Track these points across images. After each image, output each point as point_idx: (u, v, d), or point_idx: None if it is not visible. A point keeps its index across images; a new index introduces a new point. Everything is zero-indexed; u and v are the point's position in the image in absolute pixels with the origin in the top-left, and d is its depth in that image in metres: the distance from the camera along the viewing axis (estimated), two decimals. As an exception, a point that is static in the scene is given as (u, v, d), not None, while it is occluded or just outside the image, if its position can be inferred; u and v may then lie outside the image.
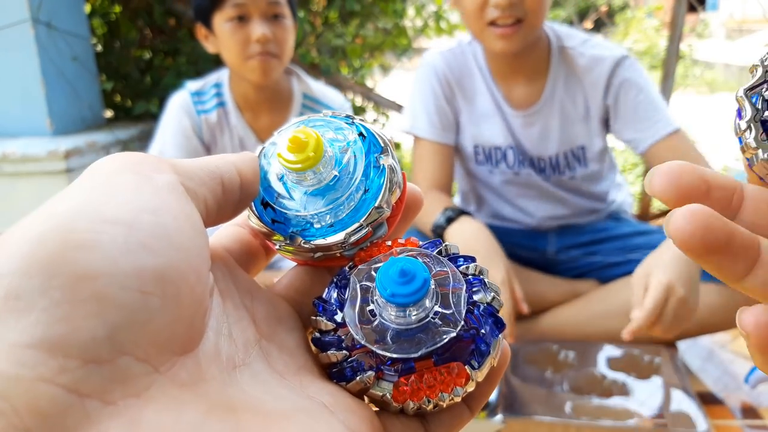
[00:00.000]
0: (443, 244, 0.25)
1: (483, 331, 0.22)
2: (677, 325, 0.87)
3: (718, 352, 1.18)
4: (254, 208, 0.25)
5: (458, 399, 0.22)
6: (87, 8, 1.89)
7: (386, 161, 0.25)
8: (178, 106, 1.27)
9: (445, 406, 0.22)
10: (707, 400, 1.01)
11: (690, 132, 2.82)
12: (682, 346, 1.17)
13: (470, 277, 0.24)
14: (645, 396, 0.94)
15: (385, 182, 0.24)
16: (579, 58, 1.14)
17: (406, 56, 2.40)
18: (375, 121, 2.32)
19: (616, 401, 0.92)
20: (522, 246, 1.21)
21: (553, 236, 1.24)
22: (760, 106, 0.21)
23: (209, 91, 1.29)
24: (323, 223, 0.24)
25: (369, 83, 2.40)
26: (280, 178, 0.25)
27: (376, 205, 0.24)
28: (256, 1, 1.14)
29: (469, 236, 1.00)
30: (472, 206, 1.29)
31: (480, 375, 0.22)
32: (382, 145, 0.25)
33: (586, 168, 1.19)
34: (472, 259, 0.24)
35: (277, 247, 0.25)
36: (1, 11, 1.58)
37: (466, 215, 1.05)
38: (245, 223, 0.26)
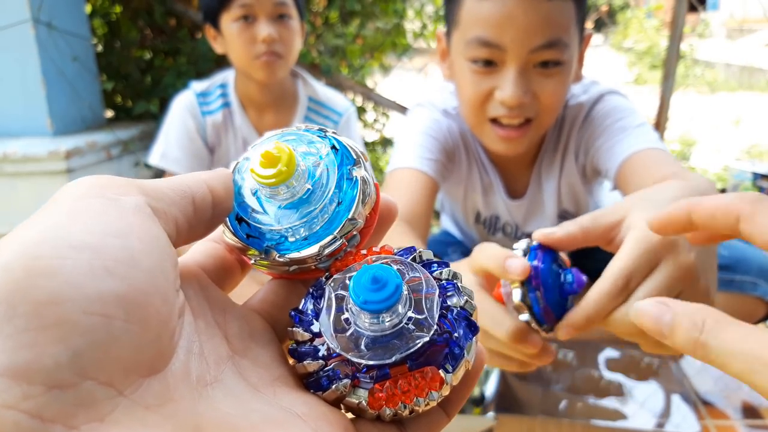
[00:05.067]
0: (417, 251, 0.25)
1: (456, 334, 0.23)
2: None
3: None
4: (229, 224, 0.25)
5: (434, 403, 0.22)
6: (87, 8, 1.89)
7: (359, 173, 0.25)
8: (182, 107, 1.27)
9: (421, 411, 0.22)
10: (707, 400, 1.01)
11: (690, 132, 2.82)
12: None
13: (444, 282, 0.24)
14: (642, 397, 0.94)
15: (357, 194, 0.24)
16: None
17: (407, 56, 2.40)
18: (375, 121, 2.31)
19: (611, 402, 0.92)
20: None
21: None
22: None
23: (214, 92, 1.29)
24: (297, 237, 0.24)
25: (369, 83, 2.39)
26: (254, 193, 0.25)
27: (349, 217, 0.24)
28: (263, 1, 1.15)
29: None
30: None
31: (455, 378, 0.22)
32: (355, 157, 0.25)
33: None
34: (446, 264, 0.25)
35: (252, 261, 0.25)
36: (1, 11, 1.59)
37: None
38: (220, 238, 0.26)
